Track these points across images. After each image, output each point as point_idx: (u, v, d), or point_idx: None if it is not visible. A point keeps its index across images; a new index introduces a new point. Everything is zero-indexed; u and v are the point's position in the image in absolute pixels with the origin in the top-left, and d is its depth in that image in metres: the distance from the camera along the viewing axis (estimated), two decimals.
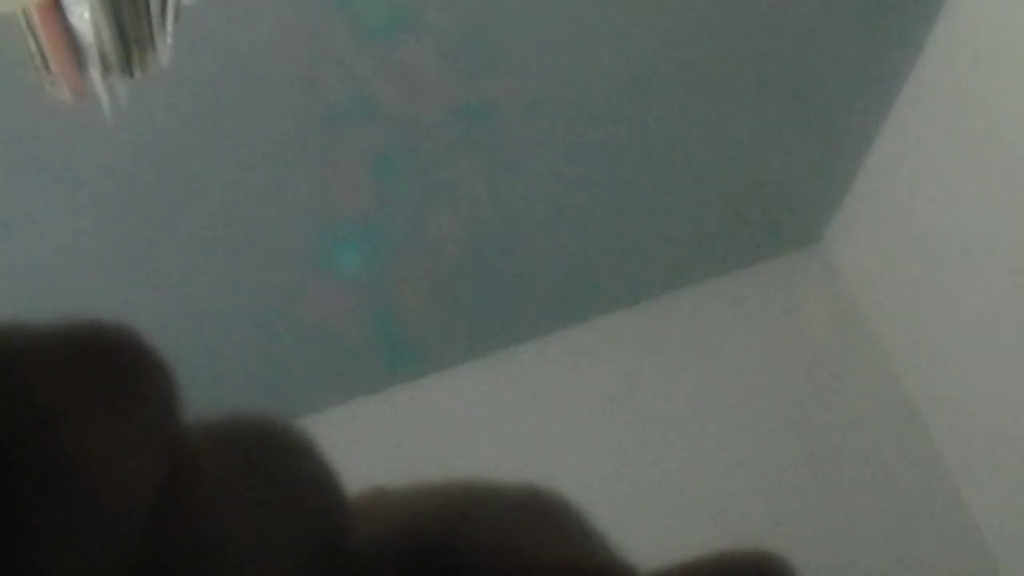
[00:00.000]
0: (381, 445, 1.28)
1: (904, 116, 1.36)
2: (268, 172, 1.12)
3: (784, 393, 1.46)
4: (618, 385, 1.45)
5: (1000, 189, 1.27)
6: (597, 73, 1.18)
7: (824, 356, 1.49)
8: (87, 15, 0.73)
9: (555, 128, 1.21)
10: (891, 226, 1.44)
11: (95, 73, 0.75)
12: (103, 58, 0.74)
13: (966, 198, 1.32)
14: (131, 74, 0.75)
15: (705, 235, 1.46)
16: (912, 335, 1.45)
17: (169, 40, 0.75)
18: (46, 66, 0.76)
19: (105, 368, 0.16)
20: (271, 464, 0.17)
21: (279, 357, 1.31)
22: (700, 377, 1.46)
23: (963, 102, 1.29)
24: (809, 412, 1.46)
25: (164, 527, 0.15)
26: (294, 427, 0.18)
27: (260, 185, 1.13)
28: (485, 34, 1.09)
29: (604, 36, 1.14)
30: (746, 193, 1.43)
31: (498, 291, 1.39)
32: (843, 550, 1.37)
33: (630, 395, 1.45)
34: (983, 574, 1.38)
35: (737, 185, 1.41)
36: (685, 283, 1.49)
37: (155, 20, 0.74)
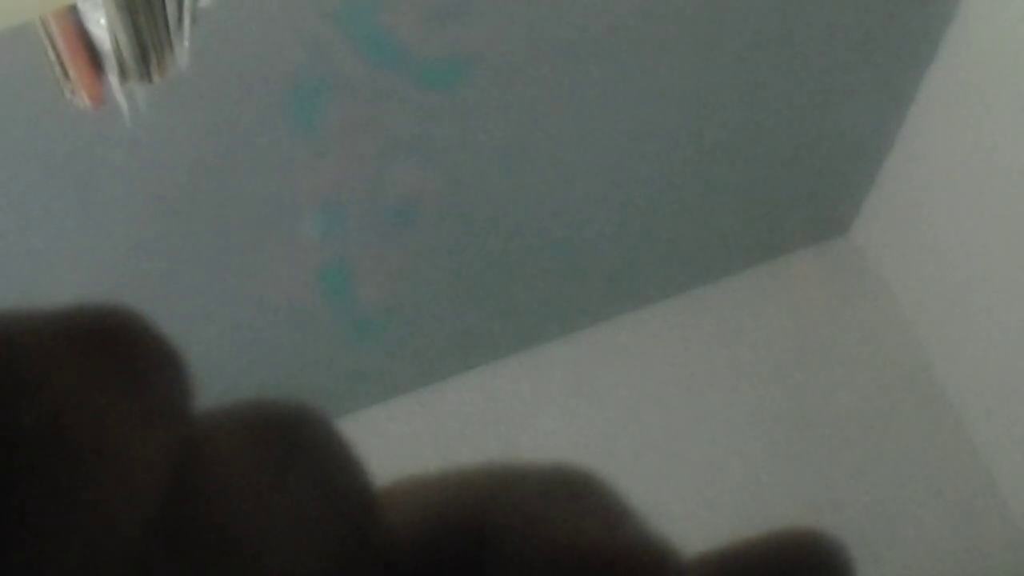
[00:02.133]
0: (400, 446, 1.28)
1: (931, 102, 1.35)
2: (288, 172, 1.12)
3: (816, 383, 1.45)
4: (648, 378, 1.44)
5: None
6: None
7: (854, 347, 1.48)
8: (103, 21, 0.73)
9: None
10: (920, 214, 1.43)
11: (113, 79, 0.75)
12: (121, 64, 0.74)
13: (995, 183, 1.31)
14: (149, 79, 0.75)
15: (729, 227, 1.45)
16: (944, 323, 1.44)
17: (187, 43, 0.75)
18: (65, 73, 0.76)
19: (113, 352, 0.15)
20: (292, 450, 0.17)
21: (295, 360, 1.31)
22: (730, 368, 1.45)
23: (991, 86, 1.28)
24: (841, 401, 1.45)
25: (176, 515, 0.15)
26: (316, 411, 0.17)
27: (279, 185, 1.13)
28: None
29: None
30: (771, 184, 1.42)
31: (517, 285, 1.38)
32: (880, 536, 1.36)
33: (660, 388, 1.44)
34: (1021, 564, 1.37)
35: (764, 177, 1.40)
36: (711, 277, 1.48)
37: (172, 24, 0.74)
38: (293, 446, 0.17)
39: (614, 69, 1.18)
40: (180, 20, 0.73)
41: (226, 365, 1.16)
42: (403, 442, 1.32)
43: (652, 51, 1.18)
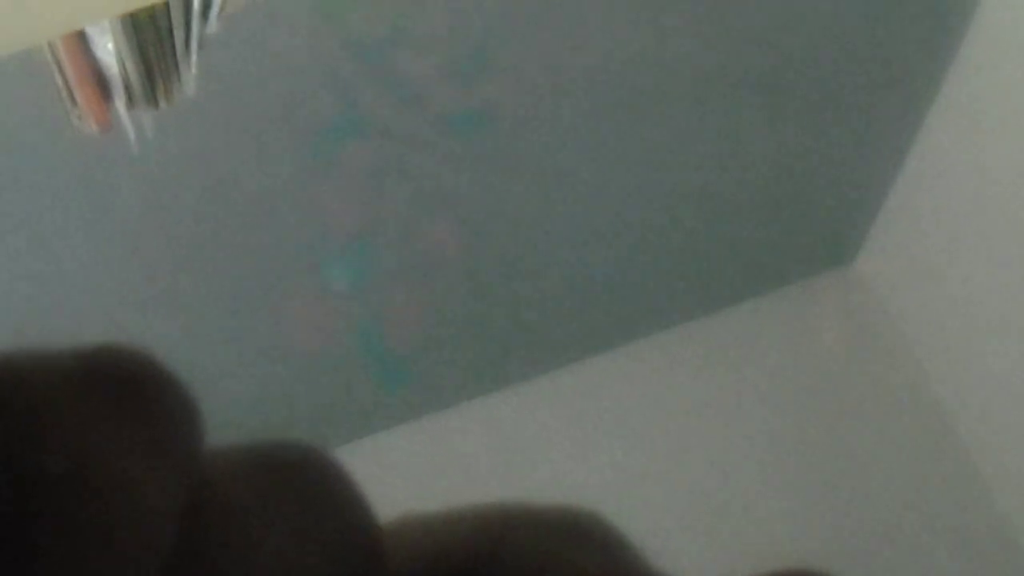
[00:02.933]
0: (406, 477, 1.28)
1: (935, 134, 1.35)
2: (294, 199, 1.12)
3: (819, 414, 1.45)
4: (651, 409, 1.44)
5: None
6: (609, 79, 1.17)
7: (859, 376, 1.48)
8: (111, 47, 0.73)
9: (563, 139, 1.20)
10: (924, 243, 1.43)
11: (120, 105, 0.75)
12: (128, 89, 0.74)
13: (999, 216, 1.31)
14: (156, 105, 0.75)
15: (739, 257, 1.45)
16: (947, 355, 1.44)
17: (194, 70, 0.75)
18: (72, 99, 0.76)
19: (124, 394, 0.15)
20: (298, 491, 0.17)
21: (303, 382, 1.30)
22: (734, 399, 1.45)
23: (995, 119, 1.28)
24: (845, 432, 1.45)
25: (187, 556, 0.15)
26: (321, 452, 0.17)
27: (285, 212, 1.13)
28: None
29: (619, 38, 1.13)
30: (778, 214, 1.42)
31: (522, 313, 1.38)
32: (881, 566, 1.35)
33: (664, 418, 1.44)
34: None
35: (770, 206, 1.40)
36: (719, 306, 1.48)
37: (179, 50, 0.74)
38: (300, 485, 0.17)
39: (623, 113, 1.19)
40: (187, 46, 0.73)
41: (227, 393, 1.16)
42: (409, 469, 1.32)
43: (664, 92, 1.19)
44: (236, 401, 1.13)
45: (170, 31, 0.73)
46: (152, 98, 0.75)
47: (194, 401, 0.16)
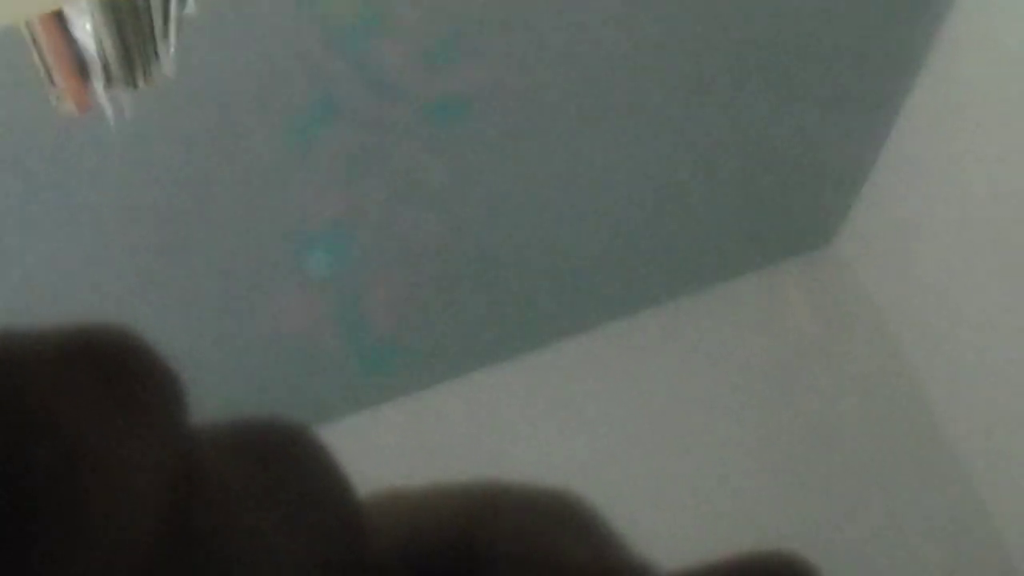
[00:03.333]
0: (385, 457, 1.28)
1: (916, 113, 1.35)
2: (274, 179, 1.11)
3: (799, 396, 1.45)
4: (629, 391, 1.44)
5: (1016, 187, 1.26)
6: (590, 64, 1.17)
7: (836, 359, 1.48)
8: (89, 27, 0.73)
9: (541, 124, 1.20)
10: (905, 225, 1.43)
11: (98, 85, 0.75)
12: (106, 70, 0.74)
13: (980, 196, 1.31)
14: (135, 85, 0.75)
15: (713, 239, 1.45)
16: (926, 337, 1.44)
17: (172, 50, 0.75)
18: (50, 79, 0.76)
19: (108, 372, 0.15)
20: (282, 468, 0.17)
21: (283, 368, 1.30)
22: (712, 382, 1.45)
23: (976, 98, 1.28)
24: (824, 414, 1.45)
25: (174, 534, 0.15)
26: (304, 430, 0.17)
27: (265, 193, 1.13)
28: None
29: (599, 22, 1.13)
30: (755, 195, 1.42)
31: (500, 297, 1.38)
32: (861, 553, 1.36)
33: (641, 401, 1.44)
34: None
35: (745, 187, 1.40)
36: (694, 288, 1.48)
37: (157, 30, 0.73)
38: (281, 463, 0.17)
39: (607, 95, 1.19)
40: (166, 27, 0.73)
41: (217, 378, 1.16)
42: (389, 450, 1.32)
43: (642, 76, 1.19)
44: (216, 385, 1.13)
45: (148, 11, 0.73)
46: (130, 78, 0.75)
47: (178, 378, 0.16)
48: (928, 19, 1.28)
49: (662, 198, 1.37)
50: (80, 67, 0.74)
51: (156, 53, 0.75)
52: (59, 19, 0.73)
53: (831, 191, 1.48)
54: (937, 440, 1.43)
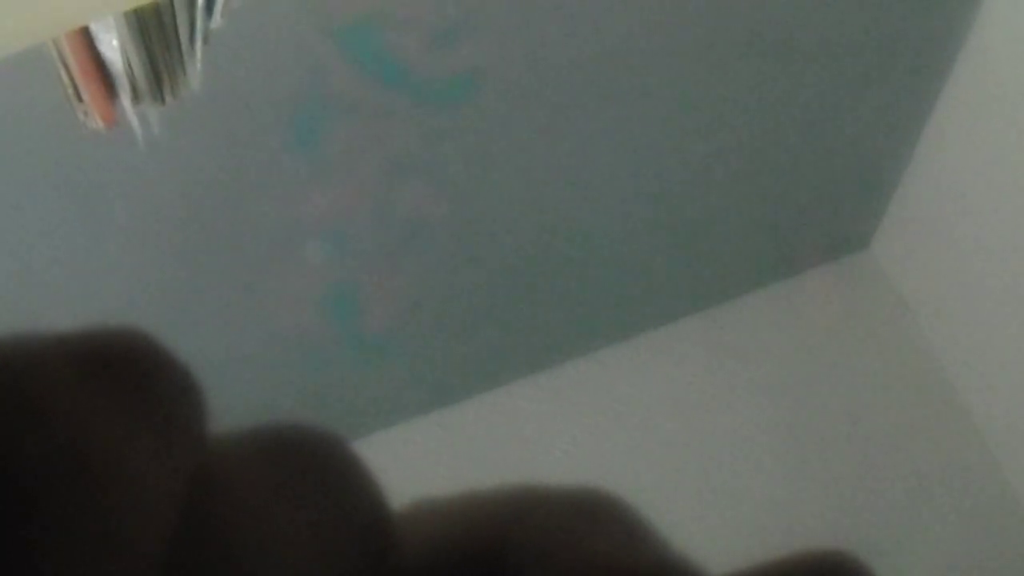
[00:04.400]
0: (412, 474, 1.28)
1: (948, 117, 1.34)
2: (299, 193, 1.12)
3: (837, 399, 1.44)
4: (666, 397, 1.44)
5: None
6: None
7: (876, 362, 1.47)
8: (116, 43, 0.73)
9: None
10: (939, 229, 1.43)
11: (126, 101, 0.75)
12: (133, 85, 0.74)
13: (1015, 199, 1.30)
14: (162, 100, 0.75)
15: (749, 244, 1.44)
16: (962, 339, 1.43)
17: (199, 65, 0.75)
18: (78, 95, 0.76)
19: (127, 376, 0.15)
20: (307, 474, 0.16)
21: (308, 381, 1.30)
22: (749, 386, 1.45)
23: (1008, 99, 1.27)
24: (861, 417, 1.44)
25: (190, 543, 0.15)
26: (331, 434, 0.17)
27: (292, 207, 1.13)
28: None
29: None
30: (791, 200, 1.41)
31: (531, 306, 1.38)
32: (902, 554, 1.35)
33: (679, 407, 1.43)
34: None
35: (781, 192, 1.40)
36: (731, 295, 1.48)
37: (184, 45, 0.73)
38: (309, 470, 0.17)
39: (622, 85, 1.17)
40: (192, 41, 0.73)
41: (240, 387, 1.16)
42: (421, 464, 1.32)
43: (662, 68, 1.18)
44: (236, 390, 1.13)
45: (175, 26, 0.72)
46: (158, 94, 0.75)
47: (197, 384, 0.16)
48: (957, 23, 1.27)
49: (698, 205, 1.36)
50: (107, 83, 0.74)
51: (183, 68, 0.75)
52: (86, 36, 0.73)
53: (867, 197, 1.47)
54: (972, 439, 1.42)
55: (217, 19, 0.76)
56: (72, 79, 0.75)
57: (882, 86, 1.32)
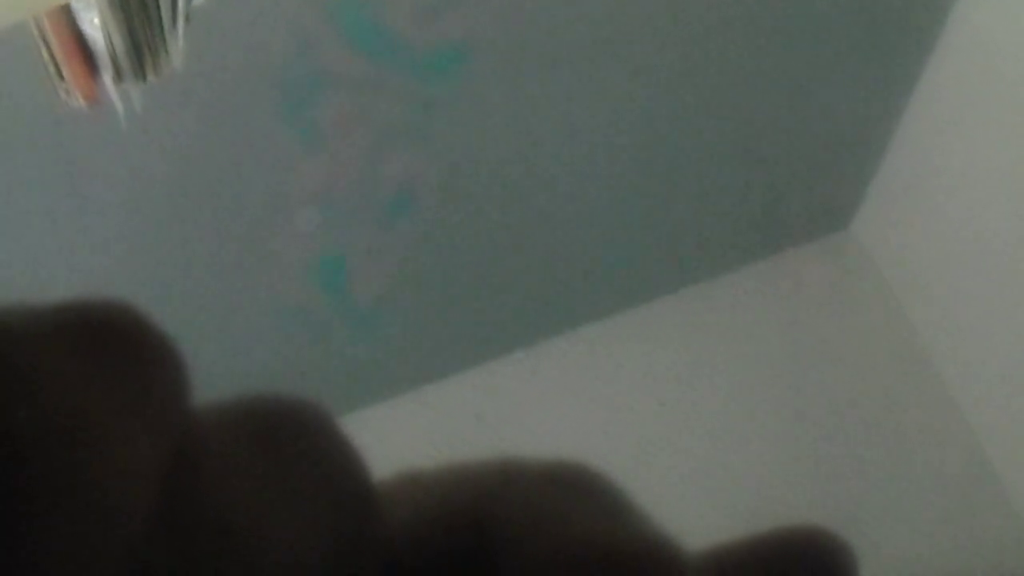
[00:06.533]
0: (399, 448, 1.28)
1: (929, 96, 1.35)
2: (285, 167, 1.11)
3: (817, 378, 1.45)
4: (649, 374, 1.44)
5: None
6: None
7: (855, 340, 1.48)
8: (97, 21, 0.73)
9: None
10: (920, 208, 1.43)
11: (108, 79, 0.75)
12: (115, 63, 0.74)
13: (994, 177, 1.31)
14: (144, 78, 0.74)
15: (729, 222, 1.45)
16: (944, 317, 1.44)
17: (181, 42, 0.74)
18: (59, 73, 0.76)
19: (110, 347, 0.15)
20: (290, 446, 0.16)
21: (294, 355, 1.30)
22: (730, 364, 1.45)
23: (989, 80, 1.28)
24: (843, 397, 1.45)
25: (174, 513, 0.15)
26: (313, 405, 0.17)
27: (277, 181, 1.13)
28: None
29: None
30: (772, 179, 1.42)
31: (515, 281, 1.38)
32: (879, 530, 1.36)
33: (660, 384, 1.44)
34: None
35: (763, 173, 1.40)
36: (711, 273, 1.48)
37: (166, 23, 0.73)
38: (292, 440, 0.17)
39: (611, 60, 1.18)
40: (174, 19, 0.73)
41: (225, 360, 1.16)
42: (403, 439, 1.32)
43: (651, 44, 1.18)
44: (221, 361, 1.13)
45: (156, 4, 0.72)
46: (140, 71, 0.74)
47: (180, 355, 0.16)
48: (938, 8, 1.28)
49: (680, 183, 1.37)
50: (89, 61, 0.74)
51: (164, 46, 0.74)
52: (67, 14, 0.73)
53: (848, 176, 1.47)
54: (952, 415, 1.43)
55: None
56: (53, 57, 0.75)
57: (863, 66, 1.32)
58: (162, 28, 0.74)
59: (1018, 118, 1.25)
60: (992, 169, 1.30)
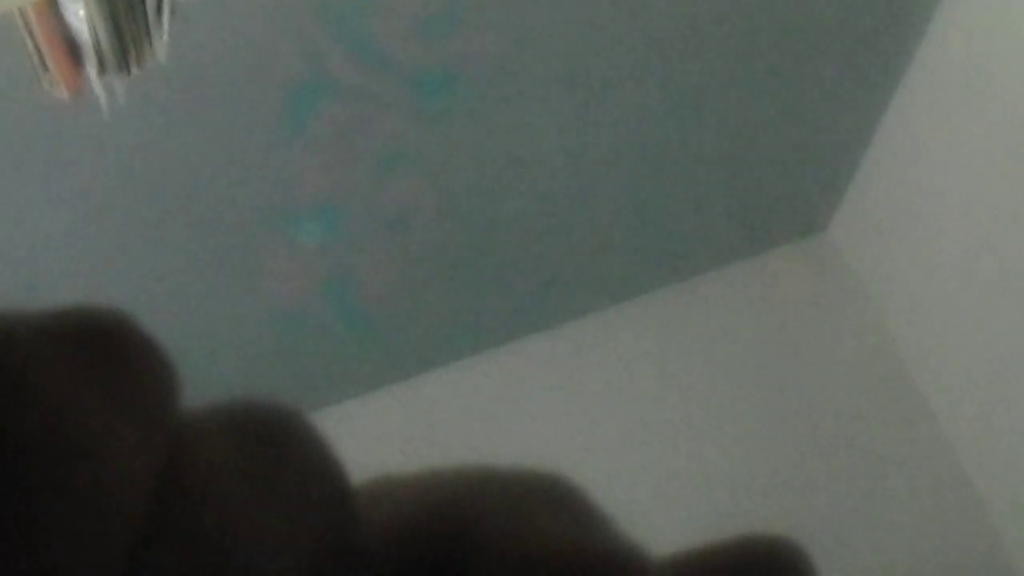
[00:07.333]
0: (375, 445, 1.28)
1: (908, 102, 1.36)
2: (264, 163, 1.11)
3: (790, 380, 1.46)
4: (624, 373, 1.44)
5: (1004, 173, 1.26)
6: (581, 41, 1.16)
7: (831, 342, 1.49)
8: (82, 13, 0.73)
9: (532, 99, 1.19)
10: (897, 213, 1.44)
11: (92, 71, 0.75)
12: (99, 56, 0.74)
13: (969, 182, 1.31)
14: (128, 71, 0.74)
15: (709, 224, 1.45)
16: (920, 320, 1.45)
17: (165, 36, 0.74)
18: (44, 65, 0.76)
19: (98, 354, 0.15)
20: (274, 450, 0.17)
21: (276, 345, 1.30)
22: (705, 366, 1.45)
23: (967, 86, 1.28)
24: (815, 398, 1.45)
25: (163, 514, 0.15)
26: (297, 413, 0.17)
27: (256, 176, 1.12)
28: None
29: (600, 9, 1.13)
30: (750, 182, 1.42)
31: (497, 280, 1.38)
32: (851, 537, 1.36)
33: (635, 386, 1.44)
34: (996, 565, 1.37)
35: (741, 175, 1.41)
36: (690, 274, 1.49)
37: (151, 16, 0.73)
38: (273, 447, 0.17)
39: (594, 70, 1.18)
40: (159, 12, 0.73)
41: (213, 361, 1.16)
42: (380, 437, 1.32)
43: (638, 56, 1.19)
44: (211, 363, 1.13)
45: None
46: (124, 64, 0.74)
47: (170, 362, 0.16)
48: (919, 9, 1.28)
49: (659, 186, 1.37)
50: (73, 53, 0.74)
51: (149, 39, 0.74)
52: (52, 5, 0.73)
53: (825, 180, 1.48)
54: (926, 420, 1.44)
55: None
56: (38, 48, 0.75)
57: (842, 72, 1.33)
58: (147, 21, 0.74)
59: (995, 125, 1.26)
60: (969, 174, 1.31)
